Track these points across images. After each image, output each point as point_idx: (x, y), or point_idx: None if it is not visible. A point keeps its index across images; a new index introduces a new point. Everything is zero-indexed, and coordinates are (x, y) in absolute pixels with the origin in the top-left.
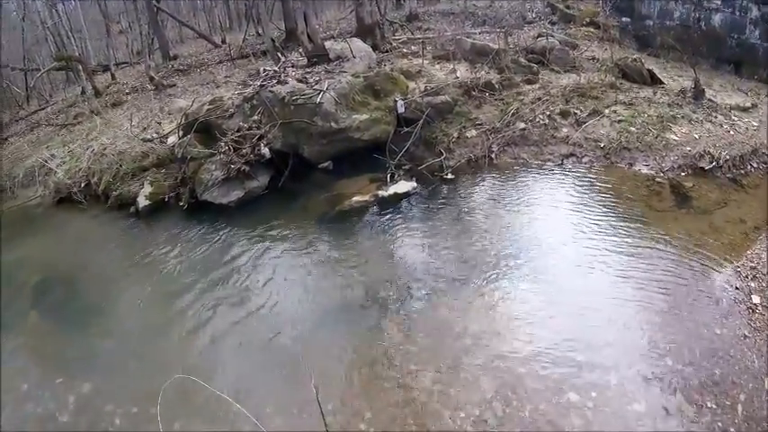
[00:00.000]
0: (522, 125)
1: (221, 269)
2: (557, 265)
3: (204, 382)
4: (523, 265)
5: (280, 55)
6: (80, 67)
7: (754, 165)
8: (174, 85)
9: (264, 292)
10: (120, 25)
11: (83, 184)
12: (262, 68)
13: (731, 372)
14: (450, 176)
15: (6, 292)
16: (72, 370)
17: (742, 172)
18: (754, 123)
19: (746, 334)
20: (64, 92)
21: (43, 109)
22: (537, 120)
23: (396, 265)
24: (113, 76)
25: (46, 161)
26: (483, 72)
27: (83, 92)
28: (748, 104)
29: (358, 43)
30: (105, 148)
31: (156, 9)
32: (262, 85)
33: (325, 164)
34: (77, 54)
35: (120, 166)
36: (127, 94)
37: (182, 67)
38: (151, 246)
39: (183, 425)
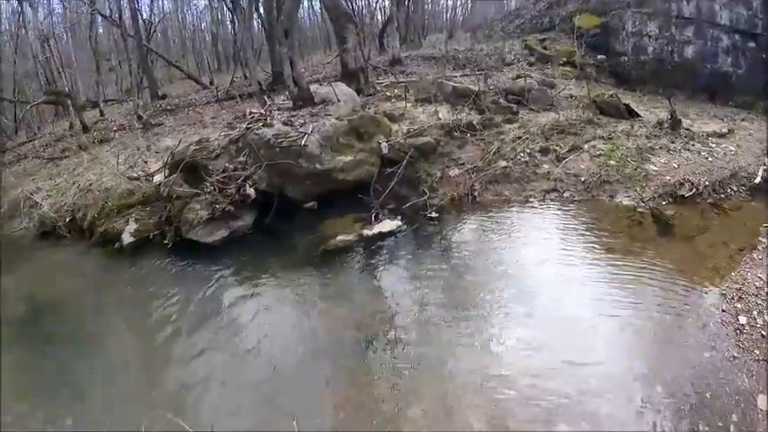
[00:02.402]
0: (504, 163)
1: (203, 307)
2: (543, 298)
3: (184, 422)
4: (509, 300)
5: (266, 98)
6: (69, 102)
7: (734, 188)
8: (162, 124)
9: (248, 330)
10: (111, 63)
11: (67, 219)
12: (248, 111)
13: (722, 393)
14: (434, 215)
15: None
16: (54, 402)
17: (722, 196)
18: (732, 148)
19: (735, 355)
20: (52, 125)
21: (31, 141)
22: (518, 158)
23: (382, 303)
24: (102, 113)
25: (31, 194)
26: (464, 113)
27: (71, 126)
28: (725, 130)
29: (342, 87)
30: (91, 184)
31: (146, 49)
32: (248, 128)
33: (310, 204)
34: (67, 89)
35: (106, 202)
36: (114, 131)
37: (169, 107)
38: (134, 282)
39: None
